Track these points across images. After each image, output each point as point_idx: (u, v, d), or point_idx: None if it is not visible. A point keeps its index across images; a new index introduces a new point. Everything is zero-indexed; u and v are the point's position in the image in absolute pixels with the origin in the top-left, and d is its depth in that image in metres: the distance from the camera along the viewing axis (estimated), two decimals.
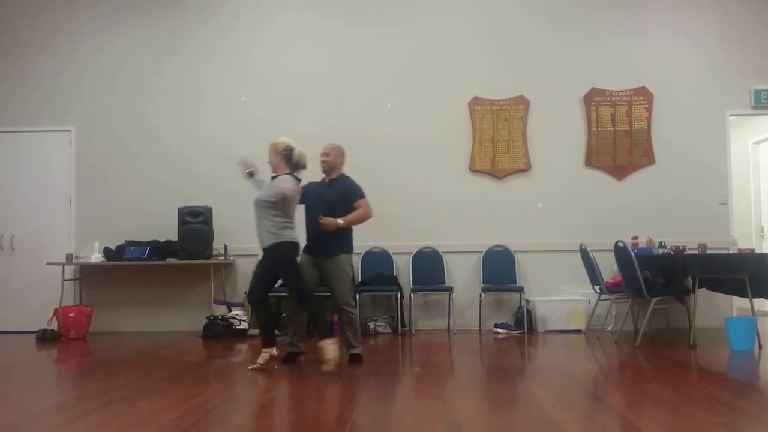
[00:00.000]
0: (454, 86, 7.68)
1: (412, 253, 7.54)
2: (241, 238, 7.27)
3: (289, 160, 5.12)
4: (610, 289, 6.70)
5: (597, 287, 6.78)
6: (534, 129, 7.65)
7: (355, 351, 5.24)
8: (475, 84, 7.69)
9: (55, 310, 7.17)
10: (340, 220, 5.12)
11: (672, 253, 6.45)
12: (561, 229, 7.51)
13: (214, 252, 7.30)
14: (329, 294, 5.31)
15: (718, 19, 7.64)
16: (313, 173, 5.49)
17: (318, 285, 5.31)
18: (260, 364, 4.95)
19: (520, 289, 7.27)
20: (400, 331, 7.20)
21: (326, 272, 5.20)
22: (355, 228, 5.37)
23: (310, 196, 5.33)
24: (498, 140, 7.66)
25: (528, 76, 7.69)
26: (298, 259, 5.19)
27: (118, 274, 7.59)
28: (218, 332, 6.92)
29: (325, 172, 5.39)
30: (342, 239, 5.26)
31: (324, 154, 5.37)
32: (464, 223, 7.59)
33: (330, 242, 5.19)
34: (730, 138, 7.63)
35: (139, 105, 7.85)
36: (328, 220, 5.09)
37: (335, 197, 5.22)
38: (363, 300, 7.33)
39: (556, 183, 7.60)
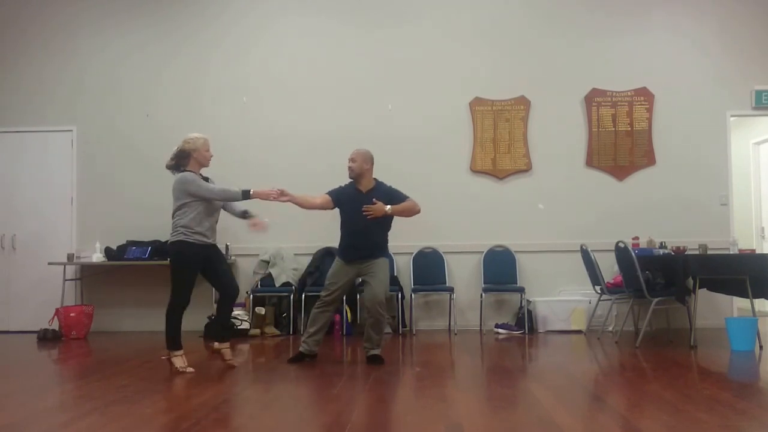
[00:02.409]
0: (455, 87, 7.69)
1: (413, 253, 7.55)
2: (241, 238, 7.28)
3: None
4: (611, 289, 6.71)
5: (598, 288, 6.79)
6: (535, 129, 7.66)
7: (376, 352, 5.27)
8: (476, 84, 7.70)
9: (56, 310, 7.18)
10: (388, 208, 5.09)
11: (673, 253, 6.47)
12: (562, 229, 7.52)
13: None
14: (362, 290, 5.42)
15: (718, 20, 7.64)
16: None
17: (353, 286, 5.38)
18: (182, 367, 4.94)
19: (521, 290, 7.27)
20: (400, 331, 7.21)
21: (368, 271, 5.21)
22: None
23: (349, 205, 5.23)
24: (499, 140, 7.66)
25: (529, 76, 7.70)
26: (333, 263, 5.32)
27: (120, 274, 7.60)
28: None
29: (352, 178, 5.31)
30: (383, 244, 5.32)
31: (351, 160, 5.28)
32: (465, 224, 7.60)
33: (375, 246, 5.22)
34: (731, 138, 7.64)
35: (140, 105, 7.86)
36: (377, 206, 5.05)
37: None
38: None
39: (556, 183, 7.61)
